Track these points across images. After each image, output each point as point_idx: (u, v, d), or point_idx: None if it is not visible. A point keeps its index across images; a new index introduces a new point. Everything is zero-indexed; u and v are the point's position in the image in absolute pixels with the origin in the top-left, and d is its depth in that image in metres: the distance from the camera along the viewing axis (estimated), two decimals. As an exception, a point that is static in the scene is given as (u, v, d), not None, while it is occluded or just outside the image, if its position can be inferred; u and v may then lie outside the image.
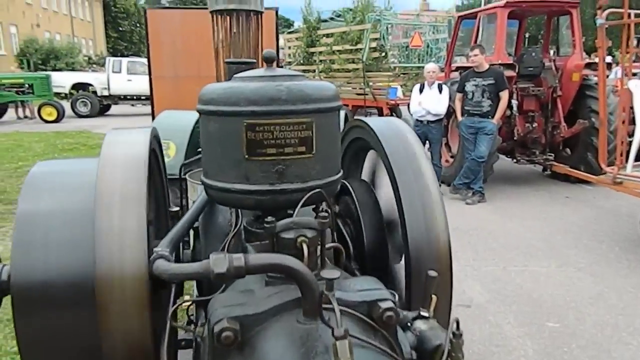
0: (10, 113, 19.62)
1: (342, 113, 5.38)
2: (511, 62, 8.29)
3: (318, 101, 1.61)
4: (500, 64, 8.01)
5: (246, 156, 1.57)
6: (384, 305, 1.27)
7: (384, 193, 2.39)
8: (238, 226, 1.83)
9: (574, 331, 4.04)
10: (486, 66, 7.60)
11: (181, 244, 2.08)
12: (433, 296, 1.46)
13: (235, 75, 1.68)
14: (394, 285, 2.24)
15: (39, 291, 1.46)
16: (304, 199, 1.50)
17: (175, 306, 1.46)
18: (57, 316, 1.48)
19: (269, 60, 1.66)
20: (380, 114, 12.59)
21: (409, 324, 1.42)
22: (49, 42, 35.67)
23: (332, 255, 1.80)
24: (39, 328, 1.48)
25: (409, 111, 8.47)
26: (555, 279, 5.09)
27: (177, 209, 2.21)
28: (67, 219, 1.57)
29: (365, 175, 2.62)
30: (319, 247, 1.43)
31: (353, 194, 2.21)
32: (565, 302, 4.56)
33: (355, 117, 2.36)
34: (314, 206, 1.88)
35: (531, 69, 8.55)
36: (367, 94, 12.52)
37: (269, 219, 1.37)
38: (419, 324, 1.42)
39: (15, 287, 1.46)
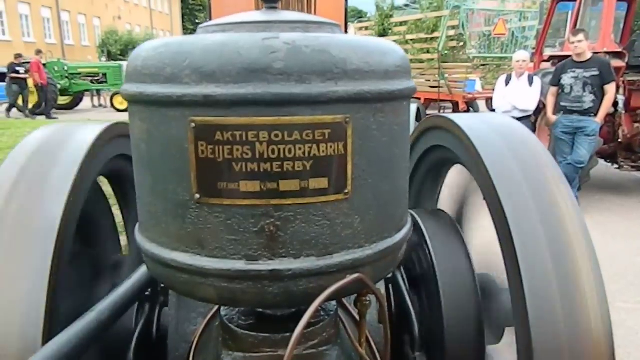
0: (87, 102, 20.31)
1: (414, 107, 4.47)
2: (620, 50, 7.04)
3: (361, 76, 0.81)
4: (606, 52, 6.81)
5: (196, 196, 0.80)
6: None
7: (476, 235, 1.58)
8: (212, 312, 1.08)
9: None
10: (589, 55, 6.45)
11: (159, 303, 1.35)
12: None
13: (201, 25, 0.92)
14: None
15: None
16: (321, 296, 0.72)
17: None
18: None
19: None
20: (456, 108, 11.67)
21: None
22: (128, 33, 37.10)
23: None
24: None
25: (489, 106, 7.48)
26: (681, 323, 4.00)
27: None
28: None
29: (444, 204, 1.78)
30: None
31: (425, 235, 1.40)
32: (701, 361, 3.49)
33: (433, 115, 1.51)
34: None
35: (643, 58, 7.26)
36: (441, 87, 11.62)
37: None
38: None
39: None
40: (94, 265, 1.46)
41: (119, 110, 18.75)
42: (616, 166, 7.76)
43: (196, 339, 1.12)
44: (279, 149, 0.78)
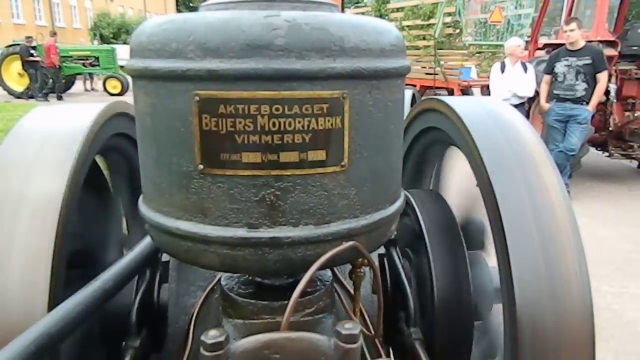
0: (78, 85, 20.08)
1: (409, 93, 4.51)
2: (613, 39, 7.07)
3: (357, 54, 0.85)
4: (599, 41, 6.84)
5: (200, 167, 0.85)
6: None
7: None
8: (212, 284, 1.13)
9: (700, 386, 3.10)
10: (582, 43, 6.49)
11: (158, 277, 1.39)
12: None
13: (203, 4, 0.95)
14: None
15: None
16: (318, 262, 0.77)
17: None
18: None
19: None
20: (451, 96, 11.67)
21: None
22: (120, 16, 36.67)
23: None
24: None
25: (485, 94, 7.49)
26: (665, 307, 4.10)
27: None
28: None
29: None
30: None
31: (418, 214, 1.45)
32: (683, 343, 3.59)
33: (428, 98, 1.55)
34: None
35: (636, 47, 7.32)
36: (437, 74, 11.60)
37: (212, 336, 0.64)
38: None
39: None
40: (95, 242, 1.49)
41: (111, 94, 18.57)
42: (606, 154, 7.81)
43: (196, 310, 1.16)
44: (279, 122, 0.82)
